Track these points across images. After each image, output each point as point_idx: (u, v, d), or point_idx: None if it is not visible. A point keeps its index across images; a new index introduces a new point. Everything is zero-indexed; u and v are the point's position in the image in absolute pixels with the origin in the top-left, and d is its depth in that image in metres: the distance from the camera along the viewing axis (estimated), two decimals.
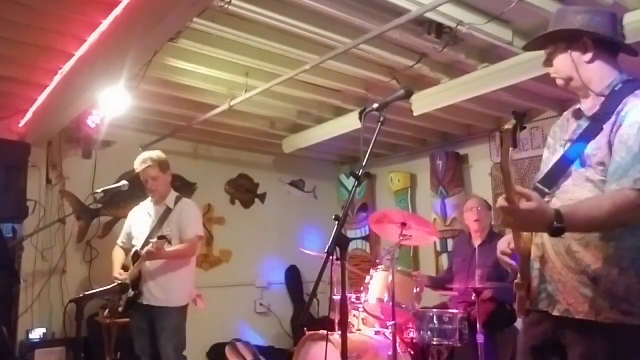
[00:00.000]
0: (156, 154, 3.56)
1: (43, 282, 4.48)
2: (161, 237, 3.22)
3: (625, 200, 1.44)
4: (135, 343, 3.47)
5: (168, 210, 3.51)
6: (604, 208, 1.44)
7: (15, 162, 4.08)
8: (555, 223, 1.38)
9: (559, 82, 1.74)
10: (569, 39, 1.68)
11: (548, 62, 1.77)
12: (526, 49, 1.86)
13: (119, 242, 3.68)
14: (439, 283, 3.99)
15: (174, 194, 3.60)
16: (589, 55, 1.66)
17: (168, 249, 3.30)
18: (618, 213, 1.43)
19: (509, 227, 1.56)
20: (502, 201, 1.40)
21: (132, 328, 3.52)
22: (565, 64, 1.69)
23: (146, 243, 3.38)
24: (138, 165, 3.50)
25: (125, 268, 3.48)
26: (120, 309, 3.47)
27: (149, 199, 3.64)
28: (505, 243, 1.74)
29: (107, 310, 3.76)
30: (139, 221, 3.61)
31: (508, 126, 1.38)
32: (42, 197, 4.54)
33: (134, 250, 3.48)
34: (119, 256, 3.59)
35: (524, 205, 1.38)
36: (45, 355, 4.14)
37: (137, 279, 3.40)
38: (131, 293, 3.38)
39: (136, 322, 3.48)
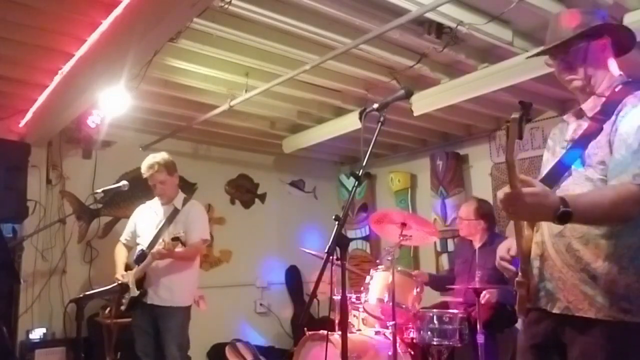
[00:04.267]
0: (161, 156, 3.51)
1: (43, 282, 4.48)
2: (175, 239, 3.22)
3: (627, 192, 1.45)
4: (137, 342, 3.46)
5: (175, 211, 3.51)
6: (607, 197, 1.46)
7: (15, 162, 4.08)
8: (561, 207, 1.37)
9: (577, 83, 1.68)
10: (589, 38, 1.65)
11: (565, 65, 1.69)
12: (545, 53, 1.75)
13: (122, 239, 3.67)
14: (440, 281, 3.98)
15: (181, 195, 3.60)
16: (605, 55, 1.66)
17: (177, 249, 3.29)
18: (620, 203, 1.44)
19: (514, 217, 1.54)
20: (505, 189, 1.40)
21: (134, 327, 3.51)
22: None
23: (153, 243, 3.37)
24: (145, 170, 3.47)
25: (127, 267, 3.47)
26: (123, 308, 3.46)
27: (156, 198, 3.61)
28: (505, 249, 1.74)
29: (109, 309, 3.75)
30: (145, 219, 3.59)
31: (515, 115, 1.33)
32: (42, 197, 4.54)
33: (139, 249, 3.46)
34: (121, 254, 3.58)
35: (526, 189, 1.38)
36: (45, 355, 4.14)
37: (142, 278, 3.39)
38: (135, 292, 3.37)
39: (138, 322, 3.47)
